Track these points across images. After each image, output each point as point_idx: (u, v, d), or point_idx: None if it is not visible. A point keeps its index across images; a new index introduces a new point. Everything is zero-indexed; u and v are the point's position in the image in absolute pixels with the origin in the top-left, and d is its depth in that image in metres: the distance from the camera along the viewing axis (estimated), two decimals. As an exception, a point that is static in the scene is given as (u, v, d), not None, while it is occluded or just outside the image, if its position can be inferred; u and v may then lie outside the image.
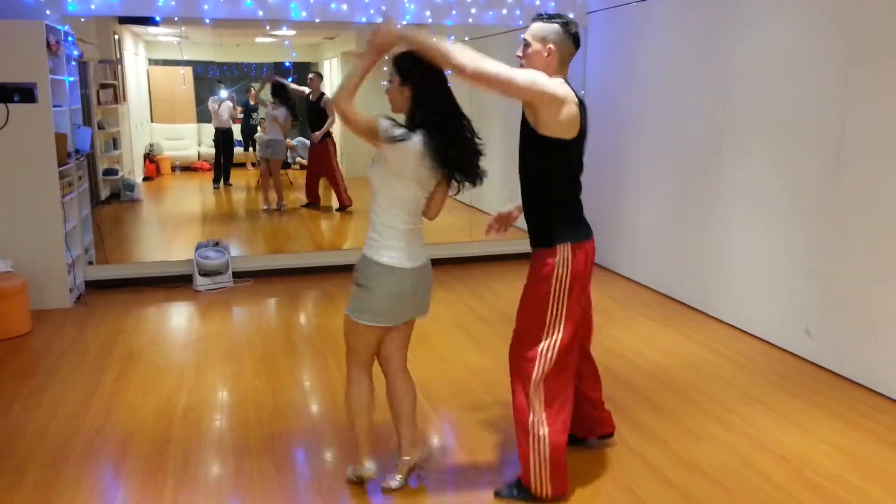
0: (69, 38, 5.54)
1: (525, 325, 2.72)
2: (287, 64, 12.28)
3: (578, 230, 2.69)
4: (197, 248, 5.87)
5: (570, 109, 2.54)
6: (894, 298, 3.67)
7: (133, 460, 3.09)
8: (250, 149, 12.62)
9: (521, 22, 6.38)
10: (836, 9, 3.93)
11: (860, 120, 3.80)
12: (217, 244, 5.97)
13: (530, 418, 2.66)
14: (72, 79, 5.62)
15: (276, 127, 8.84)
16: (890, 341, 3.71)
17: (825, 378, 3.98)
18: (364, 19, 5.90)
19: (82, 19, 5.76)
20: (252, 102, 12.06)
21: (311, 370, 4.10)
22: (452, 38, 6.90)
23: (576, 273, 2.64)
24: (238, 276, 5.94)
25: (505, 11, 6.20)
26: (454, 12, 6.09)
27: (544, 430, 2.65)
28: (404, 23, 6.04)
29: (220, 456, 3.14)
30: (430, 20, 6.09)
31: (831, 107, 3.96)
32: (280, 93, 9.16)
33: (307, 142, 12.61)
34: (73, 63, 5.71)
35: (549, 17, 2.67)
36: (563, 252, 2.62)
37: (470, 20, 6.19)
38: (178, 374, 4.02)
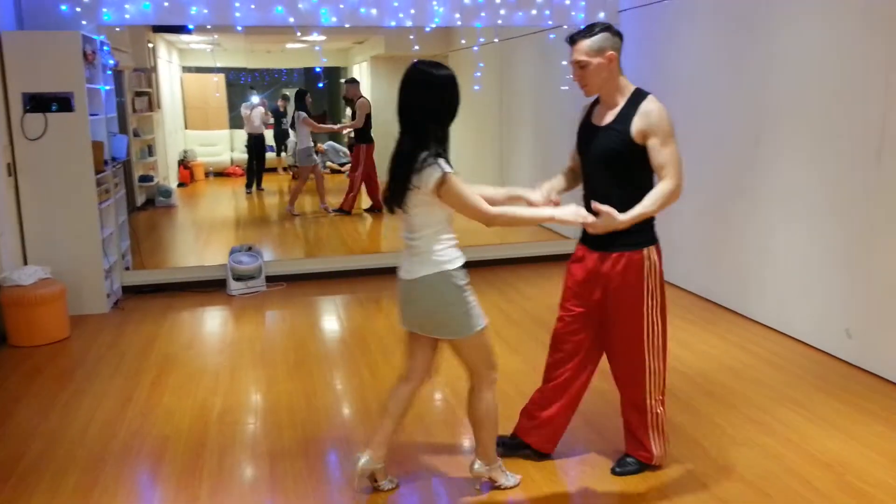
0: (104, 48, 5.65)
1: (627, 328, 2.84)
2: (318, 69, 12.39)
3: (655, 232, 2.85)
4: (230, 253, 5.93)
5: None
6: (940, 299, 3.56)
7: (169, 463, 3.12)
8: (282, 153, 12.75)
9: (550, 22, 6.34)
10: (876, 2, 3.83)
11: (902, 115, 3.70)
12: (250, 249, 6.03)
13: (648, 401, 2.90)
14: (107, 87, 5.72)
15: (302, 134, 8.86)
16: (936, 343, 3.59)
17: (866, 380, 3.88)
18: (393, 23, 5.91)
19: (117, 29, 5.88)
20: (280, 109, 12.15)
21: (343, 374, 4.11)
22: (482, 39, 6.89)
23: (661, 270, 2.83)
24: (271, 280, 5.99)
25: (534, 12, 6.17)
26: (483, 14, 6.07)
27: (661, 409, 2.94)
28: (433, 25, 6.04)
29: (255, 459, 3.15)
30: (459, 22, 6.08)
31: (872, 103, 3.86)
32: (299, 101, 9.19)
33: (337, 146, 12.68)
34: (109, 72, 5.82)
35: (589, 30, 2.72)
36: (651, 253, 2.78)
37: (499, 21, 6.17)
38: (213, 378, 4.06)
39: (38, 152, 5.01)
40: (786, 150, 4.52)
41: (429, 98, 2.52)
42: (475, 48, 7.35)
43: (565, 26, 6.48)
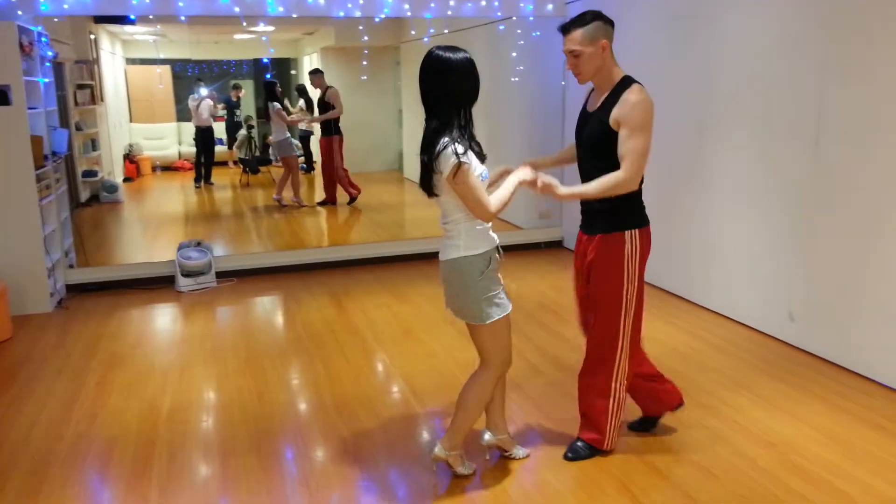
0: (43, 39, 5.46)
1: (604, 307, 2.88)
2: (265, 60, 12.18)
3: (644, 216, 2.90)
4: (179, 249, 5.81)
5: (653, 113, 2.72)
6: (876, 281, 3.70)
7: (118, 464, 3.05)
8: (234, 147, 12.52)
9: (499, 13, 6.36)
10: (813, -6, 3.94)
11: (838, 102, 3.82)
12: (199, 244, 5.92)
13: (613, 384, 2.93)
14: (47, 80, 5.54)
15: (278, 125, 8.74)
16: (873, 324, 3.73)
17: (809, 362, 4.01)
18: (342, 13, 5.85)
19: (56, 19, 5.69)
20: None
21: (297, 369, 4.08)
22: (432, 30, 6.88)
23: (644, 255, 2.88)
24: (221, 275, 5.89)
25: (484, 3, 6.18)
26: (433, 4, 6.06)
27: (623, 394, 2.97)
28: (382, 16, 6.00)
29: (206, 457, 3.11)
30: (408, 13, 6.05)
31: (809, 90, 3.97)
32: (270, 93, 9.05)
33: (291, 139, 12.52)
34: (48, 64, 5.63)
35: (581, 19, 2.75)
36: (634, 236, 2.83)
37: (449, 12, 6.16)
38: (161, 377, 3.98)
39: (-26, 147, 4.83)
40: (729, 138, 4.63)
41: (445, 82, 2.54)
42: (425, 39, 7.33)
43: (514, 17, 6.50)
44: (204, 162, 10.84)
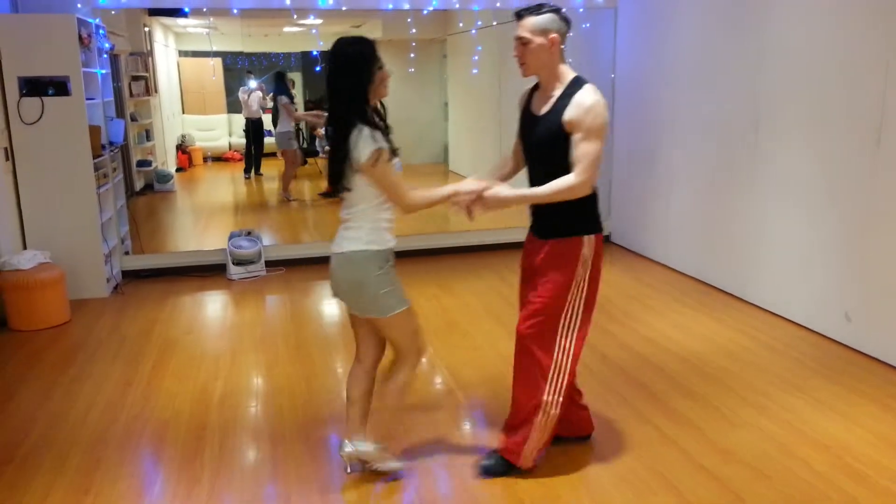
0: (100, 31, 5.61)
1: (547, 311, 2.72)
2: (315, 53, 12.30)
3: (600, 223, 2.77)
4: (230, 238, 5.93)
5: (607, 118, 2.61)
6: (938, 282, 3.57)
7: (171, 446, 3.14)
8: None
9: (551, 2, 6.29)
10: (876, -16, 3.81)
11: (902, 98, 3.69)
12: (249, 233, 6.02)
13: (545, 398, 2.74)
14: (104, 71, 5.69)
15: (283, 117, 8.83)
16: (934, 326, 3.61)
17: (865, 364, 3.90)
18: (391, 6, 5.87)
19: (113, 12, 5.83)
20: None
21: (343, 357, 4.12)
22: (480, 23, 6.85)
23: (598, 261, 2.74)
24: (270, 264, 5.99)
25: (533, -5, 6.12)
26: (482, -3, 6.03)
27: (556, 412, 2.76)
28: (431, 8, 6.00)
29: (256, 442, 3.17)
30: (457, 5, 6.04)
31: (871, 88, 3.85)
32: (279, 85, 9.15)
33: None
34: (105, 56, 5.78)
35: (538, 9, 2.67)
36: (589, 242, 2.70)
37: (498, 4, 6.12)
38: (213, 362, 4.07)
39: (35, 137, 4.99)
40: (785, 134, 4.51)
41: (351, 75, 2.54)
42: (473, 32, 7.31)
43: (564, 9, 6.44)
44: (254, 153, 11.02)
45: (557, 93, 2.66)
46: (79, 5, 5.27)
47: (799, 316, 4.49)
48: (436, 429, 3.26)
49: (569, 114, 2.58)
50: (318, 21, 9.48)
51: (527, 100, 2.84)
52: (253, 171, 10.99)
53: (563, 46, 2.68)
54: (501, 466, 2.85)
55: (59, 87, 4.96)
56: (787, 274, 4.56)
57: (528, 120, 2.79)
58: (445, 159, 11.52)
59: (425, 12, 6.14)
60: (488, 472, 2.85)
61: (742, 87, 4.85)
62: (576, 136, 2.58)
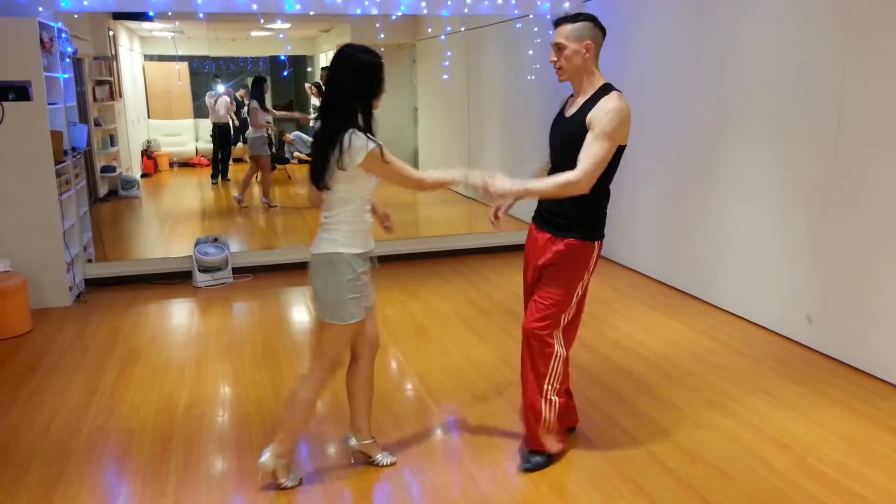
0: (63, 35, 5.51)
1: (555, 309, 2.85)
2: (282, 58, 12.23)
3: (603, 230, 2.93)
4: (196, 245, 5.86)
5: (629, 122, 2.71)
6: (895, 284, 3.66)
7: (135, 458, 3.09)
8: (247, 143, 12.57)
9: (517, 12, 6.35)
10: (833, -7, 3.91)
11: (858, 104, 3.78)
12: (216, 240, 5.96)
13: (546, 386, 2.89)
14: (66, 76, 5.59)
15: (253, 121, 8.78)
16: (891, 327, 3.70)
17: (826, 365, 3.98)
18: (359, 11, 5.87)
19: (75, 15, 5.73)
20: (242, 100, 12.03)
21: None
22: (449, 28, 6.88)
23: (596, 266, 2.92)
24: (238, 271, 5.93)
25: (500, 1, 6.17)
26: (450, 2, 6.06)
27: (555, 398, 2.93)
28: (399, 14, 6.01)
29: (222, 452, 3.14)
30: (425, 11, 6.05)
31: (829, 91, 3.94)
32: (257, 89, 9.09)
33: (305, 137, 12.58)
34: (68, 60, 5.68)
35: (574, 17, 2.75)
36: (598, 248, 2.88)
37: (466, 10, 6.16)
38: (178, 371, 4.02)
39: (-5, 142, 4.89)
40: (747, 139, 4.60)
41: (355, 79, 2.57)
42: (442, 37, 7.34)
43: (531, 15, 6.49)
44: (221, 158, 10.91)
45: (587, 96, 2.76)
46: (40, 9, 5.17)
47: (762, 318, 4.57)
48: (403, 432, 3.26)
49: (590, 115, 2.69)
50: (286, 25, 9.42)
51: (562, 105, 2.95)
52: (220, 176, 10.88)
53: (597, 53, 2.78)
54: (542, 459, 2.97)
55: (20, 91, 4.86)
56: (750, 277, 4.65)
57: (557, 121, 2.91)
58: (416, 165, 11.53)
59: (394, 17, 6.14)
60: (533, 469, 2.94)
61: (705, 92, 4.93)
62: (588, 136, 2.66)
